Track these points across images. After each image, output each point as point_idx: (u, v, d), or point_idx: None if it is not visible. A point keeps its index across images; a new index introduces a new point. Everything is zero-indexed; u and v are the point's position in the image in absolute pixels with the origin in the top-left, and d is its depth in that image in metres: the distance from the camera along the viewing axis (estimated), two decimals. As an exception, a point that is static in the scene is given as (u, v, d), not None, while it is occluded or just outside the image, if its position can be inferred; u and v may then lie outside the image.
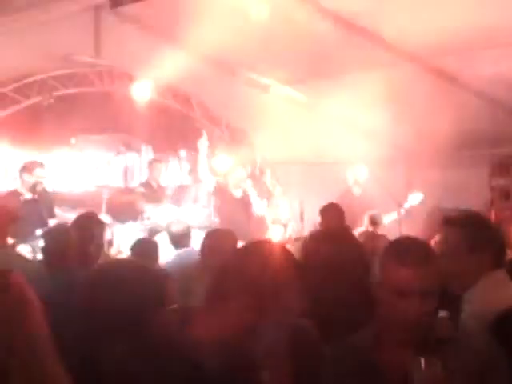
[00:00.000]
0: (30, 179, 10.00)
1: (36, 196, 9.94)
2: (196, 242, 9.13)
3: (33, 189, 9.90)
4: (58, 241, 5.58)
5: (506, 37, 9.02)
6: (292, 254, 2.73)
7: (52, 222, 9.55)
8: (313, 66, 11.18)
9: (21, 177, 10.13)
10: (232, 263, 2.64)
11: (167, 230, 8.34)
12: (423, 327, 2.88)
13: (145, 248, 7.19)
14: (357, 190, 11.68)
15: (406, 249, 2.97)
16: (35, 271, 5.26)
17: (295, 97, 13.04)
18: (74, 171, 12.51)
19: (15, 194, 9.96)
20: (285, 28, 10.01)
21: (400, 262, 2.89)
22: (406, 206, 10.94)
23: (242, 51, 11.40)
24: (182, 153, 13.19)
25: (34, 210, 9.72)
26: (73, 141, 12.17)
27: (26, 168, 10.11)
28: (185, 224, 8.35)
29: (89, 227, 6.32)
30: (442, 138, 10.67)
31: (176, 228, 8.17)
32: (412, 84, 10.44)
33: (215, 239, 6.25)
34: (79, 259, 5.52)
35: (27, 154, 12.03)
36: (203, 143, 11.48)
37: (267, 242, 2.93)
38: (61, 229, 6.37)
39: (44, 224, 9.22)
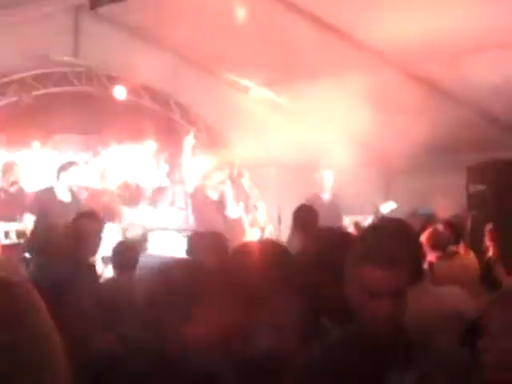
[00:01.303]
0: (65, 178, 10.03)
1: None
2: (172, 244, 9.14)
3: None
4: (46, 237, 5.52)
5: (487, 42, 9.06)
6: (285, 254, 2.73)
7: None
8: (292, 68, 11.19)
9: (58, 176, 10.15)
10: (222, 265, 2.64)
11: (123, 235, 8.24)
12: (393, 328, 2.90)
13: (126, 250, 7.14)
14: (325, 196, 11.65)
15: (376, 250, 3.00)
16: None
17: (274, 99, 13.06)
18: (51, 171, 12.45)
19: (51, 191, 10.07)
20: (264, 30, 10.02)
21: (370, 262, 2.91)
22: (378, 214, 11.03)
23: (221, 52, 11.42)
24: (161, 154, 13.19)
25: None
26: (49, 135, 12.07)
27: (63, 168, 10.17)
28: (141, 227, 8.24)
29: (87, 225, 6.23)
30: (419, 143, 10.71)
31: (132, 233, 8.08)
32: (391, 88, 10.47)
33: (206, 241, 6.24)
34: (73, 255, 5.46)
35: (4, 153, 11.99)
36: (188, 142, 11.44)
37: (260, 243, 2.95)
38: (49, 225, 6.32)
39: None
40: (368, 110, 10.42)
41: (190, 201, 11.36)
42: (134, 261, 6.98)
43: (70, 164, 10.28)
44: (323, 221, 9.81)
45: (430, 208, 10.65)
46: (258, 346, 2.48)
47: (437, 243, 6.93)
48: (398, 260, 2.94)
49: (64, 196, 10.03)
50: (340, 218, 11.26)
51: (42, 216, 9.54)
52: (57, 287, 4.69)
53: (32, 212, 9.88)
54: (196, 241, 6.35)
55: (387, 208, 11.21)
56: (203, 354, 2.44)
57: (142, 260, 7.61)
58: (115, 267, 6.81)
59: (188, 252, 6.38)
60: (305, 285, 2.73)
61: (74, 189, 10.14)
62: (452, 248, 7.26)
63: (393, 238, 3.53)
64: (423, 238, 6.83)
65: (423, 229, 7.20)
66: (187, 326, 2.55)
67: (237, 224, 11.26)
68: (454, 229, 7.93)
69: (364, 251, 3.04)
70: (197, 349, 2.45)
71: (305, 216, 8.03)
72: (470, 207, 11.29)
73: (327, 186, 11.77)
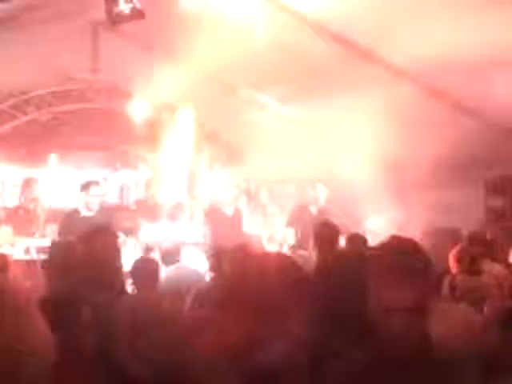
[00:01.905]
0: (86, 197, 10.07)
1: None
2: (192, 259, 9.16)
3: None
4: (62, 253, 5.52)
5: (505, 57, 9.05)
6: (297, 267, 2.74)
7: None
8: (310, 84, 11.21)
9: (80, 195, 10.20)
10: (237, 275, 2.65)
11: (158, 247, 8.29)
12: (414, 345, 2.86)
13: (146, 267, 7.15)
14: (313, 209, 11.59)
15: (398, 265, 2.96)
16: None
17: (292, 115, 13.08)
18: (70, 187, 12.52)
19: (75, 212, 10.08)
20: (282, 46, 10.05)
21: (387, 277, 2.89)
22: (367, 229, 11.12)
23: (239, 69, 11.45)
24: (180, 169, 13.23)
25: None
26: (68, 152, 12.16)
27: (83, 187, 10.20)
28: (175, 241, 8.30)
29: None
30: (437, 157, 10.70)
31: (166, 245, 8.15)
32: (408, 103, 10.47)
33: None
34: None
35: (24, 170, 12.08)
36: (203, 159, 11.50)
37: (272, 255, 2.95)
38: (66, 242, 6.33)
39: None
40: (386, 124, 10.42)
41: (206, 215, 11.38)
42: (155, 277, 7.01)
43: (91, 183, 10.32)
44: (307, 233, 9.99)
45: (448, 222, 10.62)
46: (270, 358, 2.50)
47: (463, 259, 6.82)
48: (414, 276, 2.90)
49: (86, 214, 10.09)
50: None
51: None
52: (76, 303, 4.70)
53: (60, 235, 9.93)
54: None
55: (375, 224, 11.24)
56: (216, 366, 2.45)
57: (173, 272, 7.68)
58: (135, 283, 6.83)
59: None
60: (318, 300, 2.72)
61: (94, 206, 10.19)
62: (481, 263, 7.18)
63: (409, 254, 3.51)
64: (450, 253, 6.77)
65: (447, 244, 7.12)
66: (201, 338, 2.57)
67: (255, 240, 11.25)
68: (483, 244, 7.84)
69: (380, 267, 3.02)
70: (209, 361, 2.46)
71: (323, 232, 8.03)
72: (488, 221, 11.25)
73: (318, 200, 11.73)
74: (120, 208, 12.08)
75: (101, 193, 10.28)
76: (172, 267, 8.02)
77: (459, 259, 6.75)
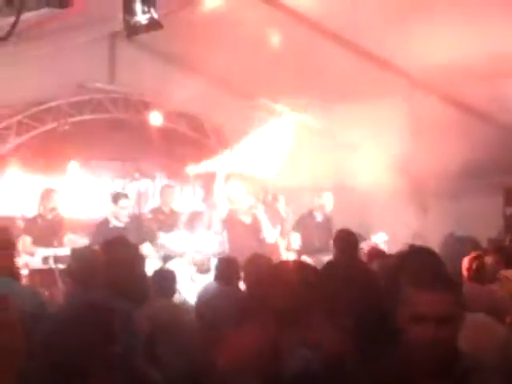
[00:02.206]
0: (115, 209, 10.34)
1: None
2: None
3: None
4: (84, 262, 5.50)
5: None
6: (316, 274, 2.73)
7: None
8: (325, 92, 11.21)
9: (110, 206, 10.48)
10: (256, 286, 2.65)
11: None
12: (442, 354, 2.81)
13: (164, 279, 7.15)
14: (318, 215, 11.58)
15: (424, 274, 2.95)
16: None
17: (308, 123, 13.07)
18: (89, 197, 12.55)
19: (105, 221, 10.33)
20: (298, 55, 10.06)
21: (416, 285, 2.86)
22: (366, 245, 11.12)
23: (255, 78, 11.47)
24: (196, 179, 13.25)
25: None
26: (86, 162, 12.20)
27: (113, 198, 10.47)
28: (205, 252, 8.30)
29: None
30: (456, 166, 10.66)
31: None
32: (426, 112, 10.45)
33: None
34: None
35: (42, 180, 12.12)
36: (221, 167, 11.49)
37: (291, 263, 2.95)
38: (88, 251, 6.32)
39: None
40: (404, 133, 10.40)
41: (224, 225, 11.37)
42: (173, 289, 7.02)
43: (121, 196, 10.46)
44: (312, 238, 10.30)
45: (466, 231, 10.57)
46: (292, 363, 2.49)
47: (471, 267, 6.74)
48: (447, 285, 2.88)
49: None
50: (330, 237, 11.31)
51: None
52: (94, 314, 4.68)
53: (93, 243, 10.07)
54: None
55: (379, 239, 11.23)
56: (238, 373, 2.45)
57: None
58: (155, 294, 6.86)
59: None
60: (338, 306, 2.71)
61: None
62: (497, 271, 7.13)
63: (439, 263, 3.48)
64: (466, 263, 6.72)
65: (465, 252, 7.06)
66: (222, 345, 2.57)
67: (273, 248, 11.22)
68: (501, 252, 7.79)
69: (412, 274, 3.00)
70: (231, 367, 2.46)
71: (345, 239, 8.02)
72: (506, 229, 11.20)
73: (324, 207, 11.76)
74: (138, 217, 12.09)
75: (129, 205, 10.47)
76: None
77: (468, 267, 6.70)
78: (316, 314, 2.56)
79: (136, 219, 10.84)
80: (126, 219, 10.25)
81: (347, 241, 7.93)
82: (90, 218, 11.90)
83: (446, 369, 2.81)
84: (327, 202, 11.78)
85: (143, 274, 5.78)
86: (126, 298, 5.08)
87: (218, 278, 7.53)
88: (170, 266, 9.15)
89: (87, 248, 7.25)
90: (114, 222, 10.29)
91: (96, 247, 8.33)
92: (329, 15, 9.08)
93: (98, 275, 5.12)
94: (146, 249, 10.12)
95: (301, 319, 2.50)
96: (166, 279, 7.03)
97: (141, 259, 6.05)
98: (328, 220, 11.73)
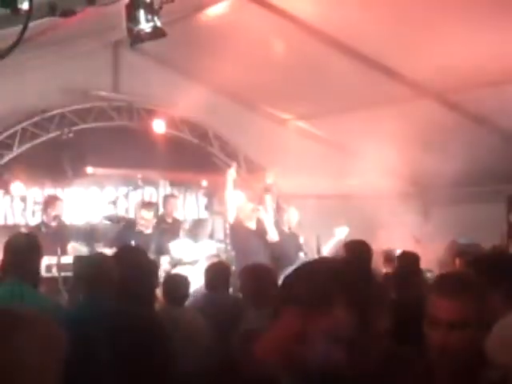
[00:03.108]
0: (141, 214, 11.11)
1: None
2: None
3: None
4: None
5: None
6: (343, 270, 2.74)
7: None
8: (330, 101, 11.24)
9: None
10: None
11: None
12: (455, 360, 2.82)
13: (177, 283, 7.17)
14: (251, 225, 11.47)
15: (445, 280, 2.99)
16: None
17: (312, 131, 13.10)
18: (92, 205, 12.56)
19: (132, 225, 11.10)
20: (302, 63, 10.08)
21: (434, 291, 2.90)
22: (333, 241, 11.17)
23: (260, 86, 11.49)
24: (204, 183, 13.29)
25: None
26: (89, 170, 12.25)
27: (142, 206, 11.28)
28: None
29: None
30: (459, 174, 10.67)
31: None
32: (429, 120, 10.47)
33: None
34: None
35: (46, 188, 12.15)
36: (231, 175, 11.51)
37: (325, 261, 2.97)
38: (99, 257, 6.31)
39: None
40: (408, 141, 10.42)
41: (230, 232, 11.38)
42: (185, 295, 7.03)
43: (152, 205, 10.86)
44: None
45: (470, 238, 10.56)
46: (317, 357, 2.49)
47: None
48: (465, 291, 2.87)
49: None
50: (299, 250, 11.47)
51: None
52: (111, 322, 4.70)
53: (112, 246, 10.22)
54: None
55: (342, 233, 11.33)
56: (264, 365, 2.46)
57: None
58: (166, 300, 6.90)
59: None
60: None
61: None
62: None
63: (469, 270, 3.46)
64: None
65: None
66: (249, 337, 2.59)
67: (278, 247, 11.17)
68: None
69: (435, 280, 3.03)
70: (258, 360, 2.47)
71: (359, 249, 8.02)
72: (510, 236, 11.19)
73: (290, 222, 11.75)
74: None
75: (155, 213, 10.73)
76: None
77: None
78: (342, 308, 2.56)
79: (157, 228, 11.26)
80: (151, 225, 10.98)
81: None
82: (93, 226, 11.92)
83: (470, 377, 2.80)
84: (293, 217, 11.76)
85: (155, 281, 5.79)
86: (137, 304, 5.10)
87: (206, 285, 7.55)
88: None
89: (98, 254, 7.26)
90: (139, 227, 10.92)
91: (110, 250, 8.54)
92: (334, 24, 9.10)
93: (108, 281, 5.13)
94: (163, 258, 10.50)
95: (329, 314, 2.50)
96: (178, 286, 7.05)
97: (154, 266, 6.07)
98: (292, 233, 11.75)
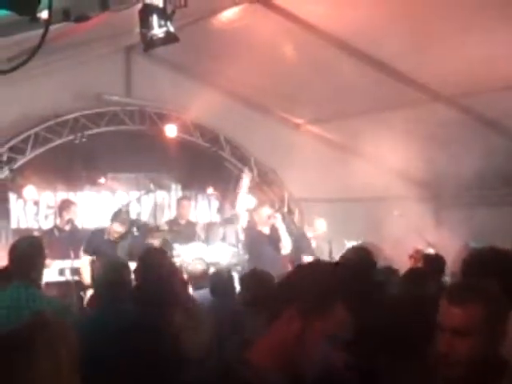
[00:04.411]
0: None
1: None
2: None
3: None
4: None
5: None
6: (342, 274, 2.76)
7: None
8: (342, 105, 11.24)
9: None
10: (285, 280, 2.68)
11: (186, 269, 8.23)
12: (456, 367, 2.83)
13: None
14: (265, 230, 11.41)
15: (456, 288, 3.01)
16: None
17: (324, 135, 13.11)
18: (105, 209, 12.59)
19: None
20: (315, 67, 10.09)
21: (444, 298, 2.91)
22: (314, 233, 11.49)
23: (272, 90, 11.51)
24: (210, 191, 13.29)
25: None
26: (102, 180, 12.30)
27: None
28: (204, 264, 8.24)
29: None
30: (471, 177, 10.66)
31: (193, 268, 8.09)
32: (442, 123, 10.46)
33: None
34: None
35: (59, 192, 12.19)
36: (246, 178, 11.53)
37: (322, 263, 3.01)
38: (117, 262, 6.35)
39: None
40: (421, 145, 10.41)
41: (243, 236, 11.39)
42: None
43: (121, 215, 10.69)
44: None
45: (482, 242, 10.54)
46: (316, 359, 2.52)
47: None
48: (474, 298, 2.88)
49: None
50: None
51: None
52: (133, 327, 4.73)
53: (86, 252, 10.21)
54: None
55: (320, 226, 11.44)
56: (261, 370, 2.48)
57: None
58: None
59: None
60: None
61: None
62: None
63: (484, 275, 3.43)
64: None
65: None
66: (246, 343, 2.61)
67: (286, 260, 11.22)
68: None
69: (449, 287, 3.05)
70: (255, 365, 2.49)
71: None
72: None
73: (267, 221, 11.60)
74: (152, 229, 12.12)
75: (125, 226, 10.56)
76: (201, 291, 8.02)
77: None
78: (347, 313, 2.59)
79: (170, 231, 11.19)
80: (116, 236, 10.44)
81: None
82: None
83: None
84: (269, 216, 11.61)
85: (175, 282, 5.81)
86: (155, 305, 5.12)
87: (211, 291, 7.55)
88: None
89: (116, 259, 7.29)
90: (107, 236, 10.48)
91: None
92: (346, 29, 9.10)
93: (125, 286, 5.16)
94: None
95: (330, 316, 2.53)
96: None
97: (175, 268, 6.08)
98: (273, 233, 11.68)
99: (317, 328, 2.46)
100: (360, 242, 10.67)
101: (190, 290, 8.00)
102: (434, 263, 8.11)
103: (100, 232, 10.60)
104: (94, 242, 10.44)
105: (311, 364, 2.47)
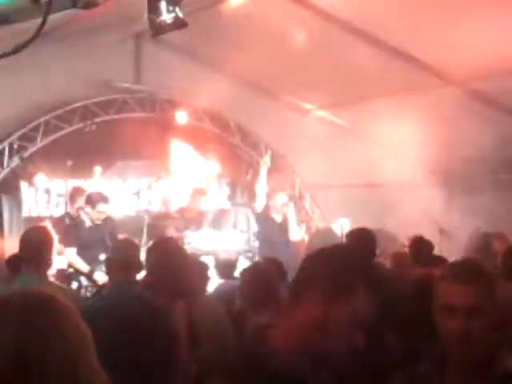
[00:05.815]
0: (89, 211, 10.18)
1: (99, 222, 10.06)
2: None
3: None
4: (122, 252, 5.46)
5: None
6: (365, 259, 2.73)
7: None
8: (352, 90, 11.19)
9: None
10: (305, 266, 2.65)
11: (214, 256, 8.22)
12: (473, 349, 2.78)
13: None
14: (277, 217, 11.36)
15: (458, 267, 2.96)
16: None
17: (334, 121, 13.05)
18: (115, 196, 12.58)
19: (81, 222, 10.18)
20: (324, 52, 10.03)
21: (448, 277, 2.87)
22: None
23: (281, 76, 11.47)
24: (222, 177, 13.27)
25: (97, 236, 9.89)
26: (96, 169, 12.16)
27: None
28: (233, 254, 8.26)
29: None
30: (482, 161, 10.59)
31: (223, 256, 8.12)
32: (452, 108, 10.39)
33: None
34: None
35: (70, 180, 12.19)
36: (265, 163, 11.52)
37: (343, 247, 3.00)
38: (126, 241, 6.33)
39: (107, 249, 9.30)
40: (432, 129, 10.34)
41: (257, 222, 11.39)
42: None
43: (99, 200, 10.24)
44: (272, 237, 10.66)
45: (493, 226, 10.49)
46: (338, 344, 2.49)
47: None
48: (477, 277, 2.85)
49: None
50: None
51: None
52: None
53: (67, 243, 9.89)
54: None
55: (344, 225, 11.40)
56: (283, 357, 2.46)
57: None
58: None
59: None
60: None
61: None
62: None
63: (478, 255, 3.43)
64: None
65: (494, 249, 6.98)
66: (268, 327, 2.59)
67: (300, 245, 11.23)
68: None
69: (449, 268, 3.01)
70: (275, 352, 2.47)
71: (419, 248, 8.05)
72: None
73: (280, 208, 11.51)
74: (163, 216, 12.09)
75: (107, 209, 10.28)
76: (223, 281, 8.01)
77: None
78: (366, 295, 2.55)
79: (110, 221, 10.42)
80: (99, 222, 10.11)
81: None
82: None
83: (482, 370, 2.78)
84: (283, 203, 11.47)
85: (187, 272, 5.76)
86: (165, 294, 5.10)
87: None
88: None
89: (127, 239, 7.22)
90: (88, 223, 10.13)
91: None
92: (356, 13, 9.04)
93: (135, 267, 5.15)
94: None
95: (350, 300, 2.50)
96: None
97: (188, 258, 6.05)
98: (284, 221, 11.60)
99: (340, 312, 2.43)
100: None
101: (218, 278, 8.06)
102: (419, 247, 8.11)
103: (80, 222, 10.22)
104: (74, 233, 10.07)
105: (335, 348, 2.45)
